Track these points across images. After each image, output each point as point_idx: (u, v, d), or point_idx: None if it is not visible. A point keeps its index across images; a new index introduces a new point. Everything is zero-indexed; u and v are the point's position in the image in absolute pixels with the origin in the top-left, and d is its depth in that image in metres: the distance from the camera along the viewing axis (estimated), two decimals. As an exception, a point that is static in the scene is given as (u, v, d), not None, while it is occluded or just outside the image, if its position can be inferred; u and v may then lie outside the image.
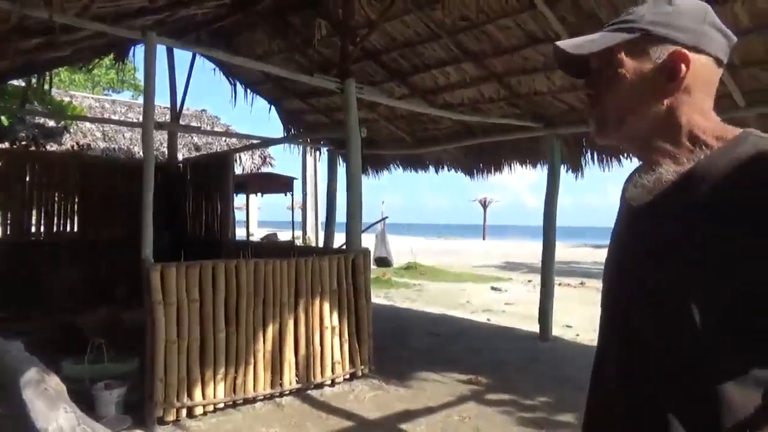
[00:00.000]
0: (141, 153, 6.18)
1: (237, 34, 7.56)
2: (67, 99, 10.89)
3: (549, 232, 7.16)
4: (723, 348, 0.85)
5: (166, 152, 9.42)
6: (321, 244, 10.51)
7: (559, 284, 10.74)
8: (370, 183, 20.21)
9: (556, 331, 7.10)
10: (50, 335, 5.39)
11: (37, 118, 9.02)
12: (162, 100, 11.27)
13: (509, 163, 8.39)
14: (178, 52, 8.46)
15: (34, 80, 7.90)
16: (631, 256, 1.00)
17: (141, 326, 4.04)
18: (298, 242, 13.39)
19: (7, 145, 8.13)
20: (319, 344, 4.81)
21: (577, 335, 7.12)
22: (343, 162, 8.50)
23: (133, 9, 5.08)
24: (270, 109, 9.47)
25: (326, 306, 4.87)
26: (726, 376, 0.84)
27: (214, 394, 4.16)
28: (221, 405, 4.21)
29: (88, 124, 11.02)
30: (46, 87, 8.22)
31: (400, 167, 9.90)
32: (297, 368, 4.68)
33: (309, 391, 4.69)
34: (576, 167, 7.49)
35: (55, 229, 7.79)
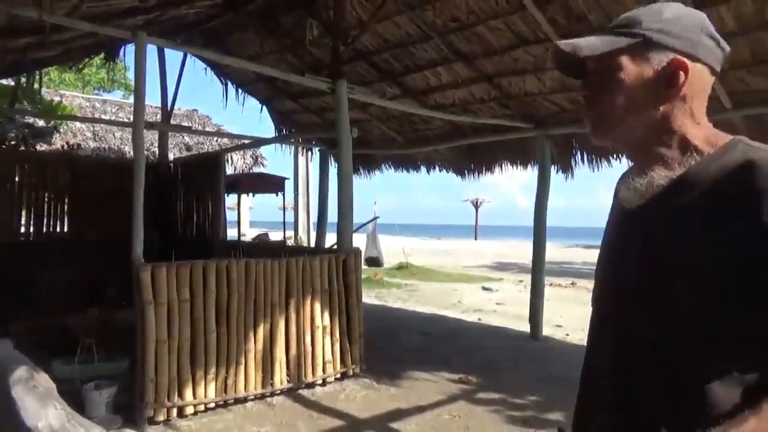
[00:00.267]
0: (132, 153, 6.15)
1: (228, 34, 7.56)
2: (57, 98, 10.84)
3: (540, 233, 7.21)
4: (708, 348, 0.88)
5: (157, 152, 9.37)
6: (312, 244, 10.51)
7: (550, 284, 10.82)
8: (362, 183, 20.18)
9: (547, 330, 7.14)
10: (40, 336, 5.36)
11: (26, 117, 8.95)
12: (153, 100, 11.28)
13: (500, 164, 8.42)
14: (169, 52, 8.43)
15: (23, 79, 7.84)
16: (622, 257, 1.02)
17: (131, 326, 4.03)
18: (290, 242, 13.37)
19: (-4, 145, 8.08)
20: (310, 344, 4.81)
21: (567, 335, 7.17)
22: (334, 162, 8.52)
23: (124, 8, 5.06)
24: (261, 109, 9.46)
25: (317, 306, 4.88)
26: (712, 375, 0.87)
27: (205, 394, 4.16)
28: (212, 405, 4.21)
29: (78, 124, 10.95)
30: (36, 86, 8.15)
31: (392, 167, 9.92)
32: (288, 368, 4.69)
33: (300, 391, 4.70)
34: (566, 168, 7.54)
35: (45, 229, 7.74)
